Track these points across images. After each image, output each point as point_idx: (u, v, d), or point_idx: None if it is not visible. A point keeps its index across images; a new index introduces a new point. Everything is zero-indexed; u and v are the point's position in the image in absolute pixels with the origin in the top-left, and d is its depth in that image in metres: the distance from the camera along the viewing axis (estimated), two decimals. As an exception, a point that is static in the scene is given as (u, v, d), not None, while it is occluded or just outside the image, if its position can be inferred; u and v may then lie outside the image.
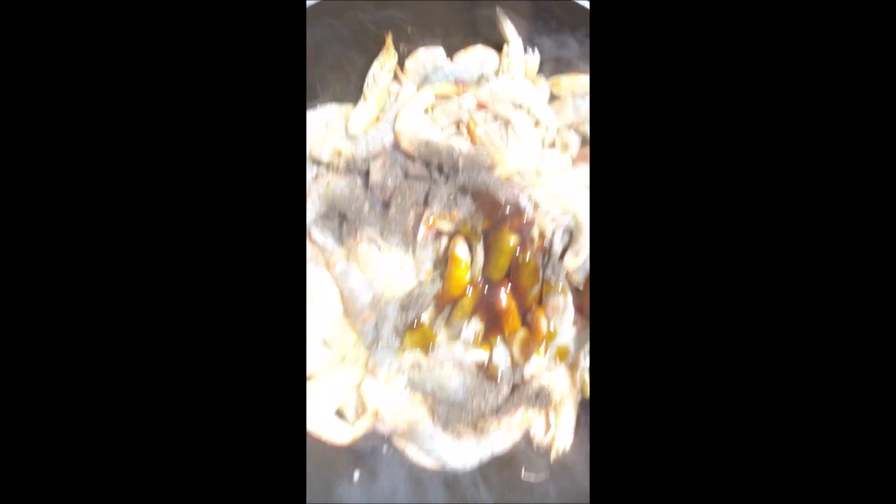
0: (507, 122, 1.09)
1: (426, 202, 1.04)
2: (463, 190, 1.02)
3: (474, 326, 1.01)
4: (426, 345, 1.01)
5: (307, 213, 1.06)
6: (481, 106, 1.10)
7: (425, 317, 1.02)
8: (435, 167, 1.05)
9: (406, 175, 1.07)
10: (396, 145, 1.09)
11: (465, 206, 1.01)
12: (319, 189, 1.07)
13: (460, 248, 1.01)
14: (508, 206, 0.99)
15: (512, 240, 0.98)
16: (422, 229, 1.03)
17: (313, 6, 1.06)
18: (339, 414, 1.03)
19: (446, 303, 1.02)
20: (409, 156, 1.08)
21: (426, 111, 1.12)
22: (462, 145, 1.05)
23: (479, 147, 1.05)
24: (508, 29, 1.13)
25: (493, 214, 0.99)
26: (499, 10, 1.12)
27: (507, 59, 1.13)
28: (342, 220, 1.07)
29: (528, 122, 1.09)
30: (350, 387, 1.03)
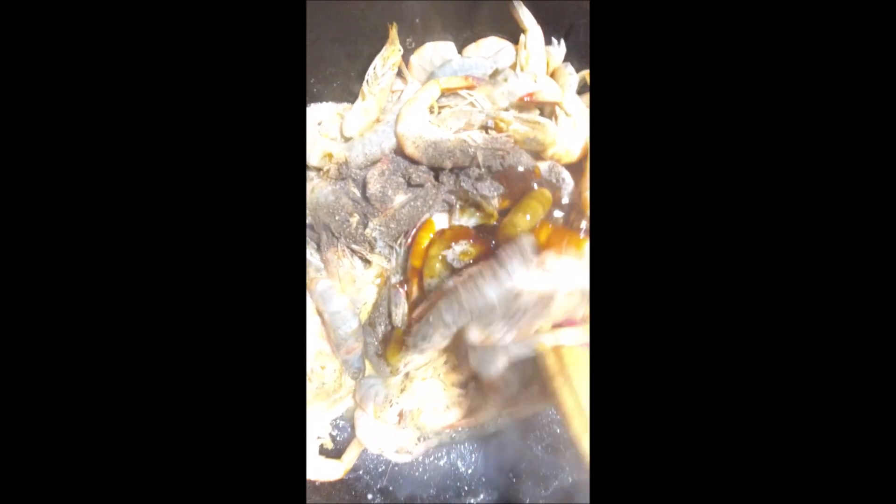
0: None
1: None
2: (481, 178, 0.92)
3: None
4: (404, 344, 0.90)
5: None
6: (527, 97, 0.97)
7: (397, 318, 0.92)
8: (443, 171, 0.93)
9: (409, 183, 0.94)
10: (399, 150, 0.96)
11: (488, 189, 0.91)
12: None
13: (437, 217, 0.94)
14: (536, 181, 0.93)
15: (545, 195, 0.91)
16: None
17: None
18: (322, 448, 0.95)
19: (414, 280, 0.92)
20: (414, 161, 0.94)
21: (431, 110, 0.97)
22: (475, 137, 0.91)
23: (501, 136, 0.92)
24: (525, 16, 0.99)
25: (515, 192, 0.92)
26: None
27: (524, 51, 0.99)
28: (325, 232, 0.94)
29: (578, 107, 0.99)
30: (330, 420, 0.95)
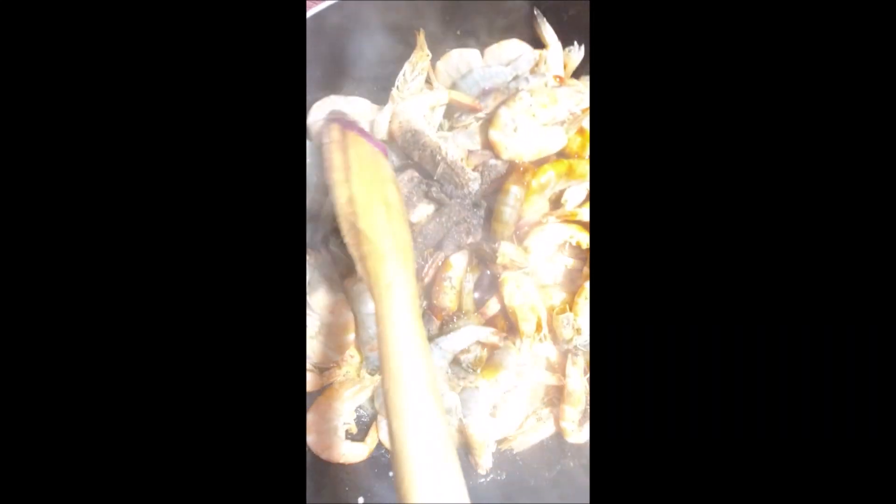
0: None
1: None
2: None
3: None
4: None
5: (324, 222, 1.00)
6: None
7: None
8: (417, 167, 1.00)
9: (426, 195, 1.00)
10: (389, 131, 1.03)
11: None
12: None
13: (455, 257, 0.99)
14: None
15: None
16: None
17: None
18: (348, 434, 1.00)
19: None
20: (392, 138, 1.01)
21: (433, 109, 1.05)
22: (451, 151, 0.98)
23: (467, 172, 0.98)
24: (547, 32, 1.05)
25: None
26: (536, 12, 1.05)
27: (544, 65, 1.05)
28: None
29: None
30: (354, 408, 1.00)
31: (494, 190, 0.98)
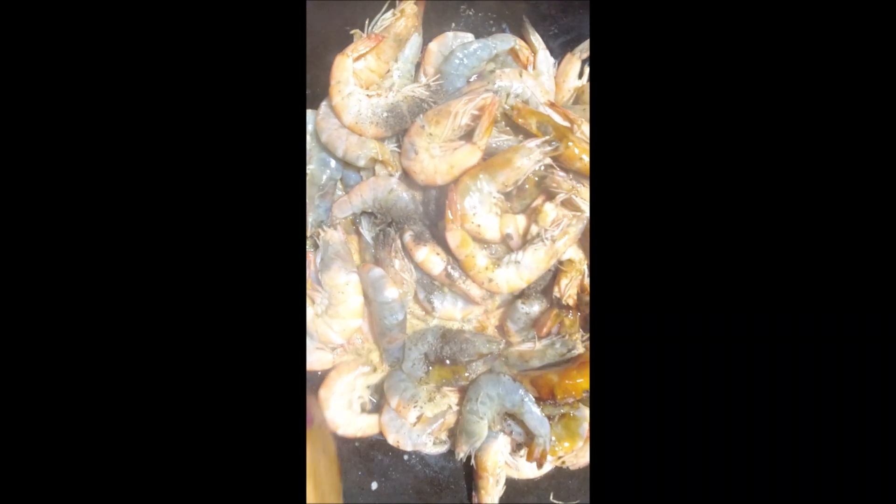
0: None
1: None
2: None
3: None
4: (453, 379, 1.02)
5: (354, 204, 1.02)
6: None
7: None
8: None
9: None
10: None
11: None
12: (378, 191, 1.01)
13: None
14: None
15: None
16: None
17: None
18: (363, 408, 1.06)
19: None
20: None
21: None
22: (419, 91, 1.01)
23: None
24: (535, 39, 1.12)
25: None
26: (525, 20, 1.11)
27: (533, 70, 1.11)
28: (384, 231, 1.02)
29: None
30: (366, 385, 1.06)
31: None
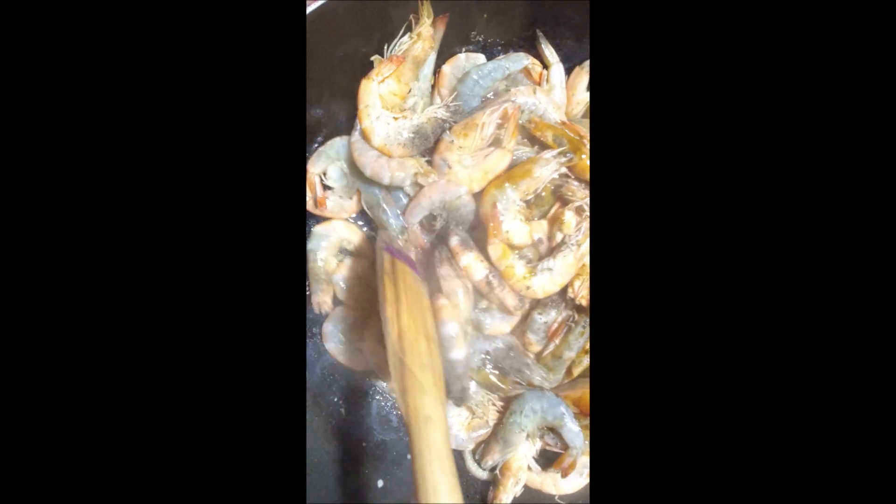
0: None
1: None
2: None
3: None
4: (489, 385, 1.11)
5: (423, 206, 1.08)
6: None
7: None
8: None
9: None
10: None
11: None
12: (447, 195, 1.08)
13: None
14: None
15: None
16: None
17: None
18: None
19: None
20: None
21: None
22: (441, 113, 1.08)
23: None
24: (549, 52, 1.17)
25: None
26: (539, 34, 1.16)
27: (546, 84, 1.17)
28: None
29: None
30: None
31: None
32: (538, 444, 1.11)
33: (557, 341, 1.09)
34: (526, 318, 1.12)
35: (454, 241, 1.06)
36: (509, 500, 1.09)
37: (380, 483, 1.10)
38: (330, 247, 1.18)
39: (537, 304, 1.10)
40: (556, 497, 1.11)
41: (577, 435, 1.05)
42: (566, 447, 1.06)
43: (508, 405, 1.11)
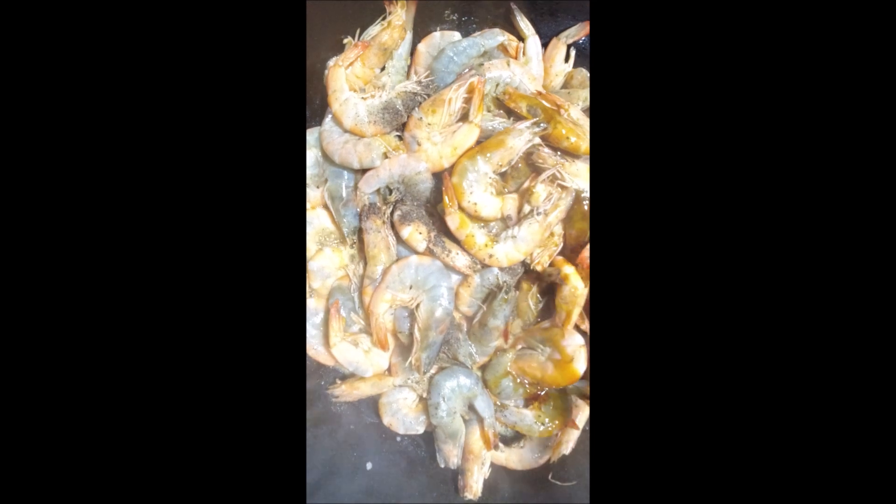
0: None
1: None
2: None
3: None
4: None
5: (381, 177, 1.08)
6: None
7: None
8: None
9: None
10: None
11: None
12: (407, 169, 1.08)
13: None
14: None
15: None
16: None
17: None
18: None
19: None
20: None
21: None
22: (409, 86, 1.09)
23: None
24: (524, 25, 1.15)
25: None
26: (513, 6, 1.15)
27: (523, 57, 1.15)
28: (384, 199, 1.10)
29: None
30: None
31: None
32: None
33: (485, 307, 1.08)
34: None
35: (396, 216, 1.07)
36: (479, 484, 1.09)
37: (368, 465, 1.12)
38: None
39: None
40: (550, 477, 1.09)
41: (488, 405, 1.06)
42: (481, 419, 1.06)
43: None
